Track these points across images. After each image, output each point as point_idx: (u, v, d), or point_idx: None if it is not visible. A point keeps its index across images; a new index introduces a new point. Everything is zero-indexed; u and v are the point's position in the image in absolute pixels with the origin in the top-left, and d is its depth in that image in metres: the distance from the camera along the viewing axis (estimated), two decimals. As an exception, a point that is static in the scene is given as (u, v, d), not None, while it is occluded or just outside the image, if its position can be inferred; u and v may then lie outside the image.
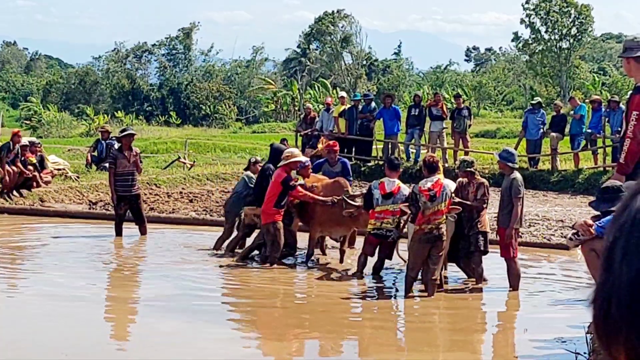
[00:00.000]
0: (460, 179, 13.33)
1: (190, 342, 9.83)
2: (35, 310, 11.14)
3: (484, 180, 13.40)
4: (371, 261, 13.83)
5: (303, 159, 15.21)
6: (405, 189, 13.45)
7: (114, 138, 24.47)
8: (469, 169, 13.12)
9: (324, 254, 15.60)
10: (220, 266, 14.48)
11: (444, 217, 12.28)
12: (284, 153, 14.89)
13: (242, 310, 11.81)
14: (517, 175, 12.62)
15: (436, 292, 12.46)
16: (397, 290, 13.04)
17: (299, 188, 14.43)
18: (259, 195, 15.18)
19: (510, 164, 12.59)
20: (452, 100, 32.79)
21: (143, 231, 17.13)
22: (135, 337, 10.58)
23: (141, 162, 17.61)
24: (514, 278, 12.68)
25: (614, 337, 1.11)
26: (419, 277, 12.60)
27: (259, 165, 16.14)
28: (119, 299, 12.44)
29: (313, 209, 14.68)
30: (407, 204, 12.83)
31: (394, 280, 13.73)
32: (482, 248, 12.90)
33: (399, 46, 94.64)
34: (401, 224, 13.55)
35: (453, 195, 12.81)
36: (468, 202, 12.87)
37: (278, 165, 14.61)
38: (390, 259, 13.90)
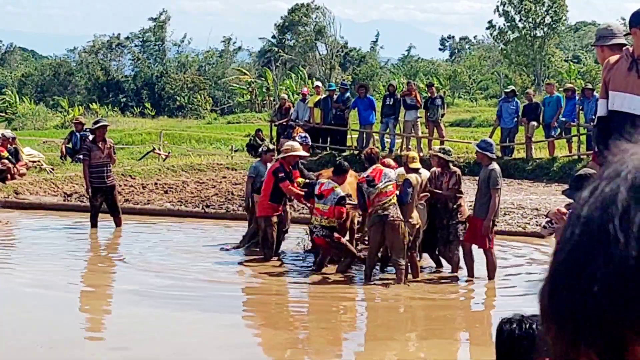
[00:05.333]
0: (433, 169, 13.36)
1: (166, 329, 9.84)
2: (10, 302, 11.11)
3: (456, 169, 13.44)
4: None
5: (303, 154, 14.88)
6: (340, 192, 13.14)
7: (88, 130, 24.38)
8: (446, 157, 13.12)
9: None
10: (194, 258, 14.46)
11: (389, 199, 12.31)
12: (284, 146, 14.54)
13: (219, 298, 11.81)
14: (495, 166, 12.63)
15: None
16: (379, 280, 13.02)
17: (287, 182, 13.83)
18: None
19: (489, 154, 12.60)
20: (426, 90, 32.84)
21: (118, 223, 17.08)
22: (114, 325, 10.57)
23: (115, 153, 17.55)
24: (490, 268, 12.72)
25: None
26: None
27: (271, 154, 15.46)
28: (94, 290, 12.43)
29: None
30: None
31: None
32: (462, 237, 12.93)
33: (376, 36, 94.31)
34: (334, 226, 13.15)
35: (427, 184, 12.88)
36: (439, 191, 12.90)
37: (276, 158, 14.25)
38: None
